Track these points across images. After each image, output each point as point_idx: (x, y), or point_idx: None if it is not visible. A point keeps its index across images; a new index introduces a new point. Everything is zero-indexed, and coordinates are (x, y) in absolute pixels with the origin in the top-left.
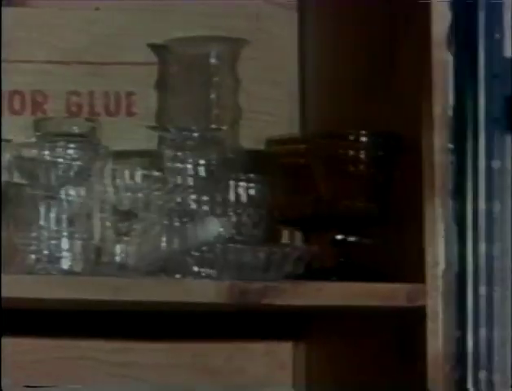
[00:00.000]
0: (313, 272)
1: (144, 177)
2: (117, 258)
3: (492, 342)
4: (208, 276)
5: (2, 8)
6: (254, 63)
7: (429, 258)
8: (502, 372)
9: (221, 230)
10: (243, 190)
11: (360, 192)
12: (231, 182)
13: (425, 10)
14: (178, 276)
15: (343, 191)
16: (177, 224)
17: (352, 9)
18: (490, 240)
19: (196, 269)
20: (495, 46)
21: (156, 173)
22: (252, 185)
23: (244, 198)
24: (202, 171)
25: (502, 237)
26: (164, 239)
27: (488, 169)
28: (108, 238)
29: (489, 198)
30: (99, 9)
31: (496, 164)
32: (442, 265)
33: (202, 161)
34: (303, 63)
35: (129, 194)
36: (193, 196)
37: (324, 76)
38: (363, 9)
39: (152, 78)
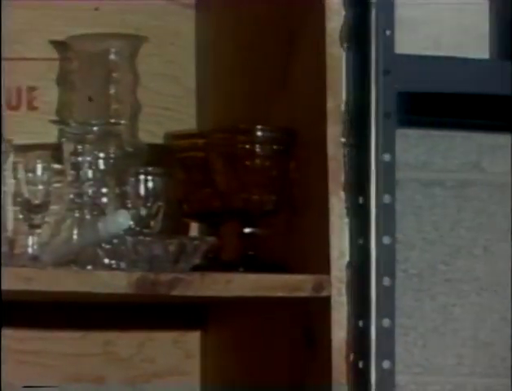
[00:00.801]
0: (221, 264)
1: (45, 169)
2: (30, 250)
3: (393, 332)
4: (119, 268)
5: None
6: (153, 59)
7: (333, 250)
8: (403, 361)
9: (131, 223)
10: (142, 183)
11: (256, 185)
12: (131, 175)
13: (320, 9)
14: (89, 267)
15: (240, 184)
16: (88, 217)
17: (250, 8)
18: (387, 232)
19: (107, 261)
20: (386, 42)
21: (57, 166)
22: (151, 178)
23: (143, 191)
24: (101, 164)
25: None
26: (75, 231)
27: (380, 162)
28: (20, 230)
29: (383, 191)
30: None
31: (387, 157)
32: (346, 258)
33: (102, 155)
34: (201, 60)
35: (31, 187)
36: (93, 189)
37: (222, 72)
38: (260, 8)
39: (54, 73)
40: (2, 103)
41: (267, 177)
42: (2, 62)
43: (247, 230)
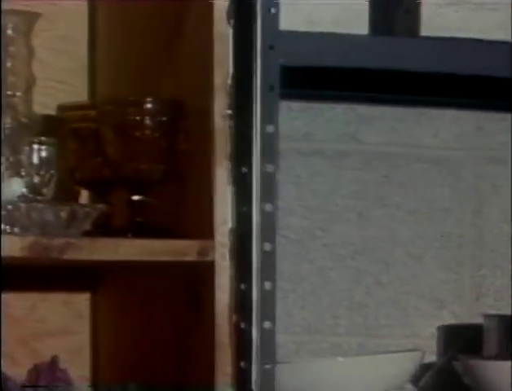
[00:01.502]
0: (111, 230)
1: None
2: None
3: (274, 294)
4: (13, 232)
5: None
6: (48, 34)
7: (217, 217)
8: (283, 321)
9: (24, 190)
10: (35, 152)
11: (145, 155)
12: (25, 145)
13: None
14: None
15: (129, 154)
16: None
17: None
18: (269, 200)
19: (2, 226)
20: (271, 20)
21: None
22: (44, 147)
23: (36, 160)
24: None
25: (278, 197)
26: None
27: (263, 133)
28: None
29: (266, 160)
30: None
31: (270, 128)
32: (229, 224)
33: None
34: (93, 35)
35: None
36: None
37: (113, 47)
38: None
39: None
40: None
41: (156, 147)
42: (3, 63)
43: (136, 197)
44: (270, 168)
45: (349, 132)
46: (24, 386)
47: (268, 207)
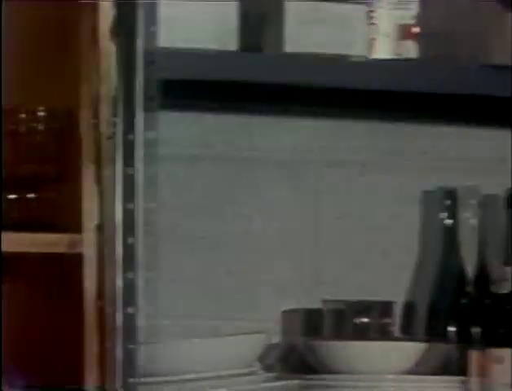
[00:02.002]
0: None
1: None
2: None
3: (137, 283)
4: None
5: None
6: None
7: (84, 214)
8: (146, 307)
9: None
10: None
11: (37, 158)
12: None
13: (94, 7)
14: None
15: (22, 156)
16: None
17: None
18: (132, 199)
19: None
20: (151, 37)
21: None
22: None
23: None
24: None
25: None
26: None
27: (144, 140)
28: None
29: (131, 164)
30: None
31: (150, 135)
32: (96, 220)
33: None
34: None
35: None
36: None
37: (14, 57)
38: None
39: None
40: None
41: (47, 150)
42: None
43: (28, 195)
44: (147, 170)
45: (202, 138)
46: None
47: (130, 205)
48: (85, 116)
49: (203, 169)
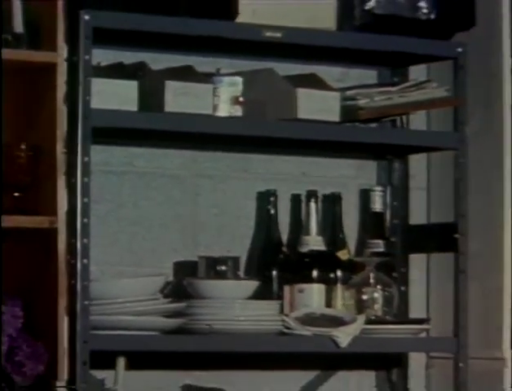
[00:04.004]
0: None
1: None
2: None
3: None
4: None
5: None
6: None
7: (58, 204)
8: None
9: None
10: None
11: (21, 173)
12: None
13: (55, 86)
14: None
15: (13, 172)
16: None
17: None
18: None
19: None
20: (87, 103)
21: None
22: None
23: None
24: None
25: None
26: None
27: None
28: None
29: (83, 175)
30: None
31: (86, 158)
32: (65, 208)
33: None
34: None
35: None
36: None
37: (5, 103)
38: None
39: None
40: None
41: (28, 169)
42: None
43: (16, 194)
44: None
45: (125, 159)
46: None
47: (86, 200)
48: (57, 147)
49: (126, 178)
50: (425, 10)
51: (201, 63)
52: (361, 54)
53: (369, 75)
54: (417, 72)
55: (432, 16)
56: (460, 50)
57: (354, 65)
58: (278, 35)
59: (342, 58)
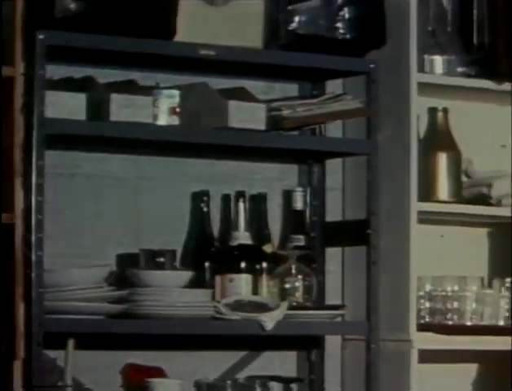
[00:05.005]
0: None
1: None
2: None
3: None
4: None
5: None
6: None
7: (16, 203)
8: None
9: None
10: None
11: None
12: None
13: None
14: None
15: None
16: None
17: None
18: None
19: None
20: (41, 112)
21: None
22: None
23: None
24: None
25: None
26: None
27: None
28: None
29: (38, 176)
30: None
31: (40, 162)
32: (22, 205)
33: None
34: None
35: None
36: None
37: None
38: None
39: None
40: None
41: None
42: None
43: None
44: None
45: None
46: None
47: (40, 198)
48: (15, 152)
49: (75, 180)
50: (342, 31)
51: (143, 77)
52: (284, 70)
53: (292, 88)
54: (334, 86)
55: (348, 36)
56: (372, 66)
57: (278, 80)
58: (212, 53)
59: (268, 73)
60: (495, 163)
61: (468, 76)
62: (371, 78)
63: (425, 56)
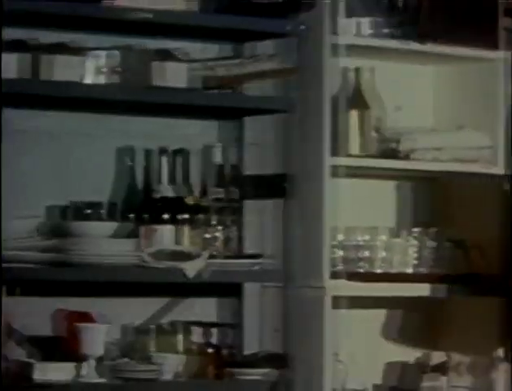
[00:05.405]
0: None
1: None
2: None
3: None
4: None
5: None
6: None
7: None
8: None
9: None
10: None
11: None
12: None
13: None
14: None
15: None
16: None
17: None
18: None
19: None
20: None
21: None
22: None
23: None
24: None
25: None
26: None
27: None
28: None
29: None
30: None
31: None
32: None
33: None
34: None
35: None
36: None
37: None
38: None
39: None
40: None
41: None
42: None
43: None
44: None
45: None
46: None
47: None
48: None
49: (8, 137)
50: None
51: (80, 39)
52: (210, 32)
53: (214, 49)
54: (264, 47)
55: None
56: (301, 28)
57: (212, 41)
58: (150, 16)
59: (195, 35)
60: (418, 119)
61: (392, 37)
62: (298, 39)
63: (351, 19)
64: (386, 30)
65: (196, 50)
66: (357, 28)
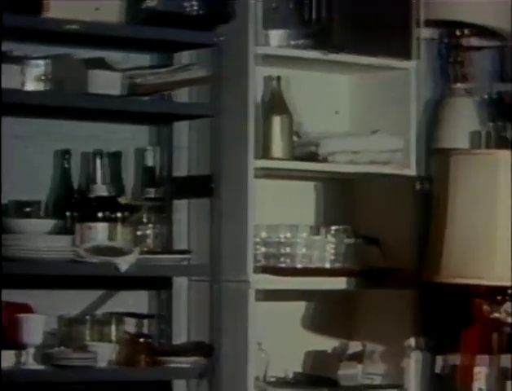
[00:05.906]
0: None
1: None
2: None
3: None
4: None
5: None
6: None
7: None
8: None
9: None
10: None
11: None
12: None
13: None
14: None
15: None
16: None
17: None
18: None
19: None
20: None
21: None
22: None
23: None
24: None
25: None
26: None
27: None
28: None
29: None
30: None
31: None
32: None
33: None
34: None
35: None
36: None
37: None
38: None
39: None
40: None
41: None
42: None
43: None
44: None
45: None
46: None
47: None
48: None
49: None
50: (195, 8)
51: (17, 49)
52: (140, 43)
53: (146, 59)
54: (185, 57)
55: (201, 12)
56: (218, 39)
57: (134, 51)
58: (77, 27)
59: (126, 45)
60: (327, 125)
61: (304, 47)
62: (217, 50)
63: (269, 31)
64: (301, 41)
65: (129, 59)
66: (279, 39)
